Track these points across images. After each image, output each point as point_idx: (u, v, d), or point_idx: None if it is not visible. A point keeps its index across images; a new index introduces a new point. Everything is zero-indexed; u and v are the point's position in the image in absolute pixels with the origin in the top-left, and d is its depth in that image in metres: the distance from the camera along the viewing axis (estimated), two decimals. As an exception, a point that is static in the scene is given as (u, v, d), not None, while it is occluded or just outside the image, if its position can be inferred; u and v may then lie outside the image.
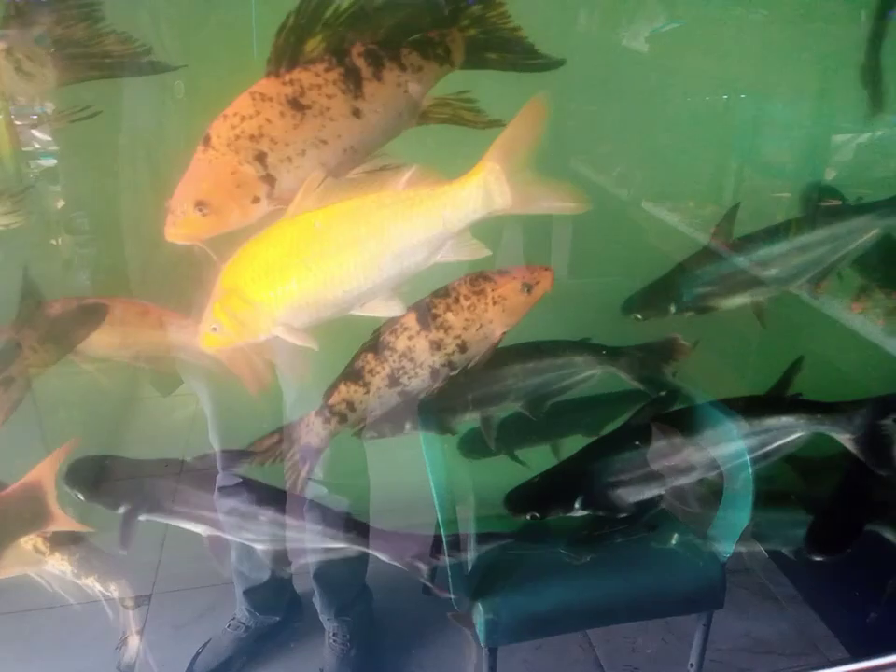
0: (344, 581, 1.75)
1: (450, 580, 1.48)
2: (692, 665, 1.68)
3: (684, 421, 1.27)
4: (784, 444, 1.27)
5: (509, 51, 0.89)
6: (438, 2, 0.81)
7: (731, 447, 1.26)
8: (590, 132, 1.77)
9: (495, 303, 1.07)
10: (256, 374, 1.12)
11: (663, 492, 1.26)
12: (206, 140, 0.80)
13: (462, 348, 1.09)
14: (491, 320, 1.08)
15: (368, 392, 1.10)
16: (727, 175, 2.03)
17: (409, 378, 1.10)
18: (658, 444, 1.23)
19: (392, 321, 1.07)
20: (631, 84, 1.70)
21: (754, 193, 1.97)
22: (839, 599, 1.82)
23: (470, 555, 1.49)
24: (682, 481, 1.25)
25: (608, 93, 1.64)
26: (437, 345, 1.07)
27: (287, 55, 0.76)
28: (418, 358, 1.08)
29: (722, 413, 1.27)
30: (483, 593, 1.46)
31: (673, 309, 1.36)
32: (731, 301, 1.39)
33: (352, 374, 1.09)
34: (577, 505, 1.21)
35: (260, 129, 0.78)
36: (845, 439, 1.25)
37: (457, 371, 1.12)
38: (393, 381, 1.09)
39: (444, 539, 1.38)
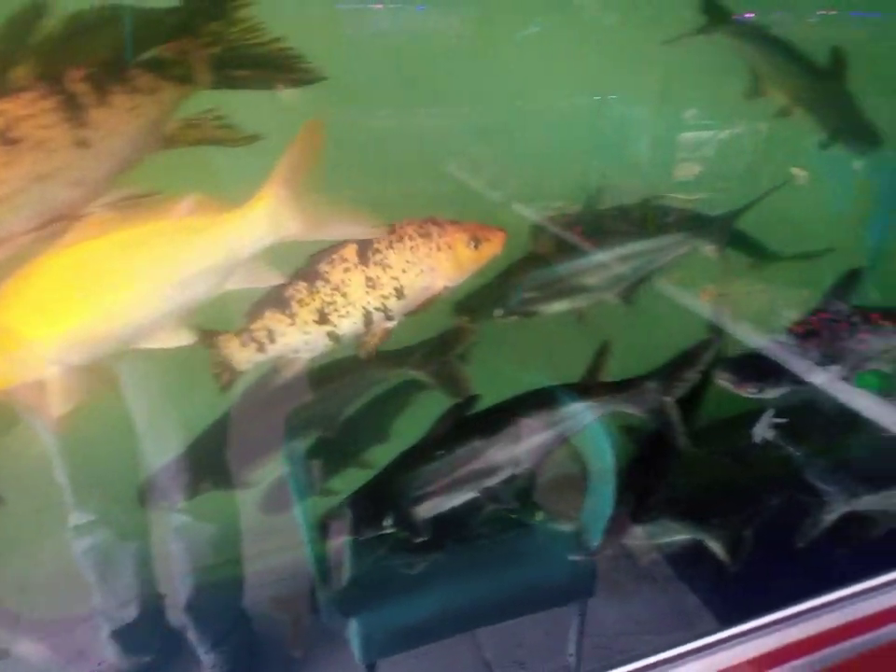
0: (217, 610, 1.70)
1: (321, 601, 1.47)
2: (571, 655, 1.70)
3: (486, 423, 1.27)
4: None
5: (265, 68, 0.85)
6: (164, 17, 0.75)
7: (536, 440, 1.27)
8: (464, 135, 1.76)
9: (439, 250, 1.03)
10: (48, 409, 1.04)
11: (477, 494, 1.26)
12: None
13: (399, 293, 1.03)
14: (433, 268, 1.03)
15: (293, 324, 1.03)
16: (594, 176, 2.08)
17: (339, 317, 1.02)
18: (461, 451, 1.23)
19: (330, 250, 1.00)
20: (502, 88, 1.70)
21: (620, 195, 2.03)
22: (707, 574, 1.88)
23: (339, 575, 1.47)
24: (492, 481, 1.25)
25: (480, 98, 1.64)
26: (372, 284, 1.01)
27: (-12, 86, 0.70)
28: (351, 295, 1.01)
29: (524, 408, 1.28)
30: (354, 611, 1.44)
31: (499, 313, 1.36)
32: (553, 307, 1.40)
33: (278, 302, 1.01)
34: (386, 524, 1.19)
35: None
36: (638, 412, 1.32)
37: (393, 324, 1.05)
38: (322, 317, 1.02)
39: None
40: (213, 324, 1.05)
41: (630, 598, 1.94)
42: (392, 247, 1.02)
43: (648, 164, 1.93)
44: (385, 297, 1.03)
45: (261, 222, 0.88)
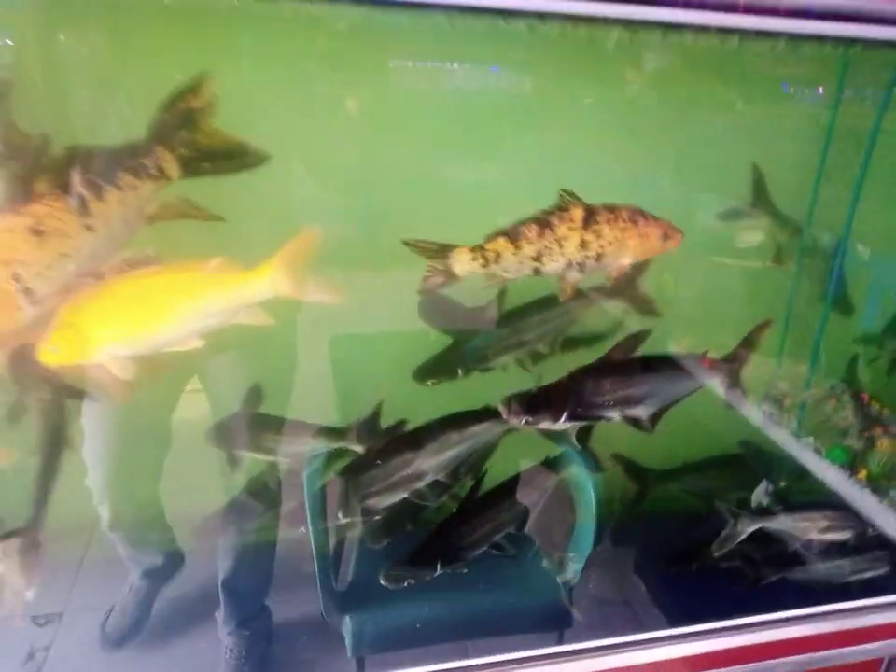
0: (249, 592, 1.92)
1: (321, 598, 1.68)
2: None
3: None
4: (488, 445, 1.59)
5: (222, 159, 1.15)
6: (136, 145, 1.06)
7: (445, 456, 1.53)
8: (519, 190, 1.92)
9: (639, 236, 1.32)
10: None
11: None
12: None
13: (598, 258, 1.32)
14: (629, 248, 1.33)
15: (516, 254, 1.30)
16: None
17: (549, 260, 1.31)
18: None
19: (563, 210, 1.30)
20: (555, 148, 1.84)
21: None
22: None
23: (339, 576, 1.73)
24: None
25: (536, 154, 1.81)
26: (584, 245, 1.30)
27: (20, 195, 1.02)
28: (566, 248, 1.30)
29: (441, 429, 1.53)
30: (350, 609, 1.67)
31: (460, 373, 1.64)
32: (501, 361, 1.69)
33: (513, 233, 1.30)
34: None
35: (11, 253, 1.04)
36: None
37: (580, 278, 1.35)
38: (538, 256, 1.30)
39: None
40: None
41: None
42: (608, 223, 1.31)
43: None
44: (587, 257, 1.32)
45: (265, 286, 1.20)
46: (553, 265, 1.32)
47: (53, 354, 1.13)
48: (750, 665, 1.57)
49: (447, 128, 1.70)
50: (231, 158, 1.14)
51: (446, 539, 1.69)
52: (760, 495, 1.93)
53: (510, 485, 1.80)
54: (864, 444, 1.91)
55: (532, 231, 1.30)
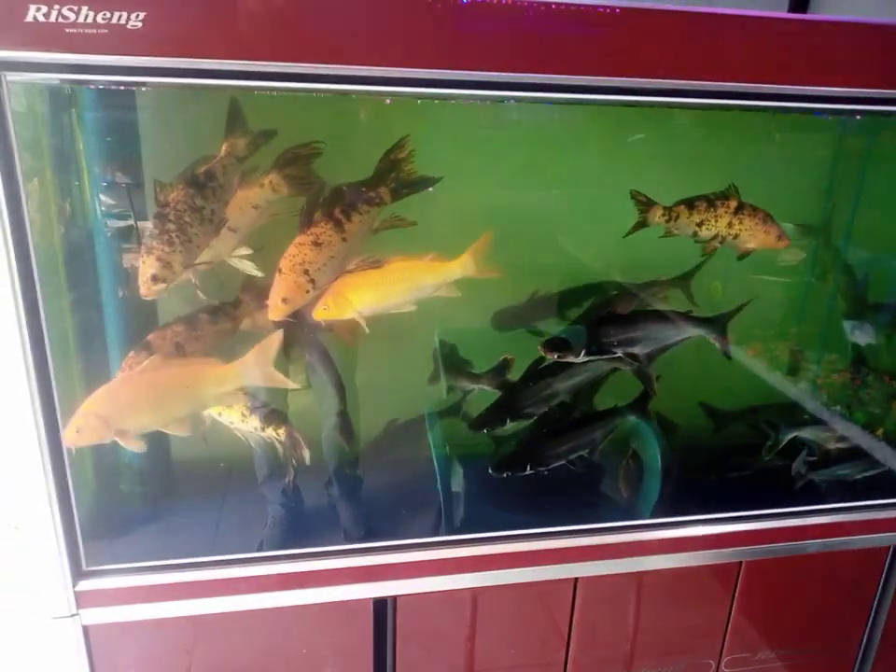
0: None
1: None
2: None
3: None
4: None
5: (414, 186, 1.80)
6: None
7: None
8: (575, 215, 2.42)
9: (765, 232, 1.97)
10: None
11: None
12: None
13: (735, 237, 1.95)
14: (757, 237, 1.97)
15: (689, 217, 1.96)
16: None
17: (705, 229, 1.96)
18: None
19: (724, 198, 1.95)
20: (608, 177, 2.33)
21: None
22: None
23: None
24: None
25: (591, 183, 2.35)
26: (730, 225, 1.94)
27: (305, 223, 1.69)
28: (718, 223, 1.95)
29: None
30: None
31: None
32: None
33: (689, 204, 1.97)
34: None
35: (303, 257, 1.70)
36: None
37: (719, 246, 1.98)
38: (700, 224, 1.96)
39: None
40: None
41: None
42: (749, 216, 1.95)
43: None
44: (729, 234, 1.95)
45: (457, 270, 1.83)
46: (706, 233, 1.95)
47: (325, 311, 1.76)
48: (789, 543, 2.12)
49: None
50: (419, 184, 1.80)
51: (538, 448, 2.17)
52: (799, 463, 2.44)
53: (589, 418, 2.29)
54: (882, 411, 2.48)
55: (702, 205, 1.93)
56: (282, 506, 2.09)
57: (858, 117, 2.12)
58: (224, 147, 1.76)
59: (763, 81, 1.60)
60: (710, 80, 1.56)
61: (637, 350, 2.03)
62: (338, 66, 1.37)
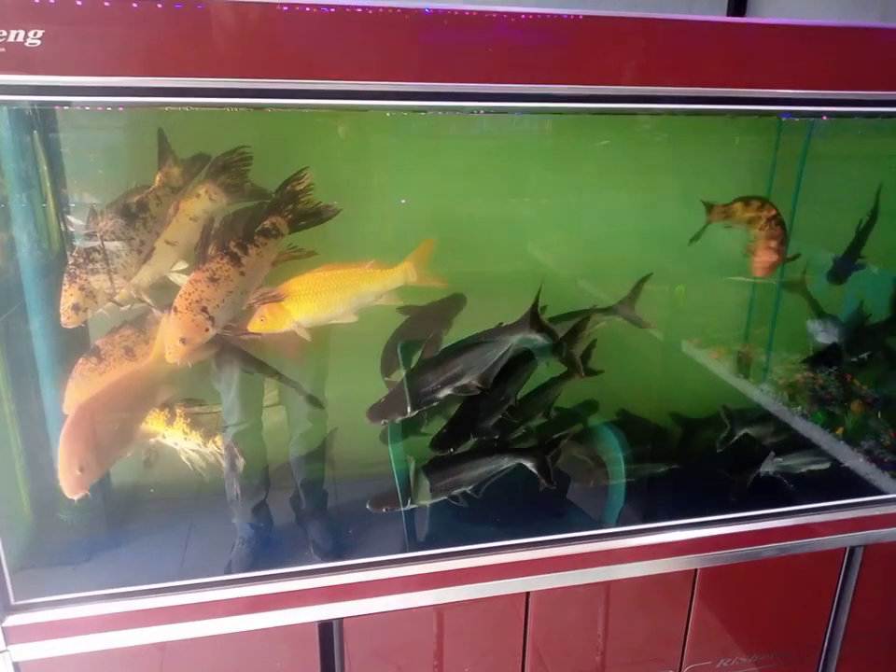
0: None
1: None
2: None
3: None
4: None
5: (312, 218, 1.82)
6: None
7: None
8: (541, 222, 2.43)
9: (781, 245, 2.18)
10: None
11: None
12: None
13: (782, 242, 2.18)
14: (777, 250, 2.20)
15: (742, 214, 2.20)
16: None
17: (751, 226, 2.20)
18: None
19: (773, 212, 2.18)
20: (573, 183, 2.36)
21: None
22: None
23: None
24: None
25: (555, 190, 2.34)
26: (771, 227, 2.18)
27: (200, 259, 1.72)
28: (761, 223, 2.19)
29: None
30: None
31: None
32: None
33: (745, 201, 2.19)
34: None
35: (200, 294, 1.72)
36: None
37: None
38: (749, 220, 2.21)
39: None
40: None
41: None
42: (780, 225, 2.17)
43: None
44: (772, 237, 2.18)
45: (399, 277, 1.84)
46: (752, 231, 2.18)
47: (261, 323, 1.76)
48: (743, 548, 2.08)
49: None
50: (315, 215, 1.81)
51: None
52: (768, 463, 2.41)
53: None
54: (841, 410, 2.48)
55: (754, 205, 2.15)
56: (251, 526, 2.09)
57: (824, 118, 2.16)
58: (158, 178, 1.77)
59: (724, 86, 1.63)
60: (673, 86, 1.61)
61: (465, 381, 1.92)
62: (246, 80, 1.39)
